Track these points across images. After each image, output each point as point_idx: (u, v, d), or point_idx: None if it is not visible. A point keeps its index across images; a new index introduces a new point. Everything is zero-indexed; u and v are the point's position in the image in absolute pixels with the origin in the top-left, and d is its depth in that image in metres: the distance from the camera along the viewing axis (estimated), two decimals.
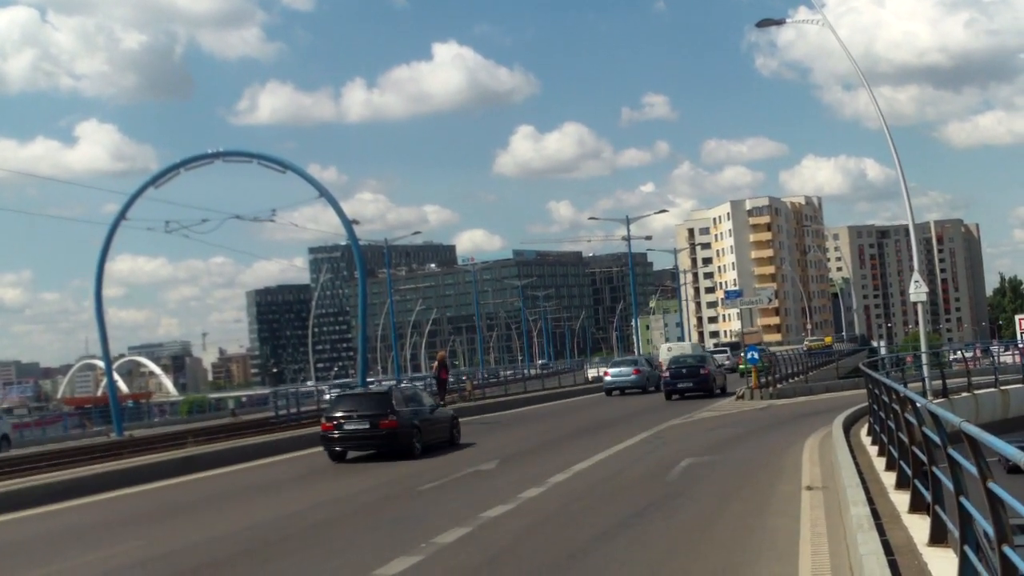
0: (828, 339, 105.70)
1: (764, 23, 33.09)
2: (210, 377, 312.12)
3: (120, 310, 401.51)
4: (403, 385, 32.46)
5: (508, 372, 73.53)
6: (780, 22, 34.21)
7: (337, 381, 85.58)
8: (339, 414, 22.39)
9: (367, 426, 21.95)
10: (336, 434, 22.13)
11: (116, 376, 67.57)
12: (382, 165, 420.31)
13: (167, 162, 39.36)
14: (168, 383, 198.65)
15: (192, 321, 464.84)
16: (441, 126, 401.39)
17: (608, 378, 47.50)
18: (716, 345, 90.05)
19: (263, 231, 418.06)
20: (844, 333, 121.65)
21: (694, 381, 39.56)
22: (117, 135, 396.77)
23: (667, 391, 39.92)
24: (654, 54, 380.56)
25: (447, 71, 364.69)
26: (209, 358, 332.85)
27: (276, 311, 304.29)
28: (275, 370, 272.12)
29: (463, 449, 23.72)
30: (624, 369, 48.06)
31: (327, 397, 42.15)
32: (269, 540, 12.36)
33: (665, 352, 61.71)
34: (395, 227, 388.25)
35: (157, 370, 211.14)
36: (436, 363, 38.23)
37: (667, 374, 41.16)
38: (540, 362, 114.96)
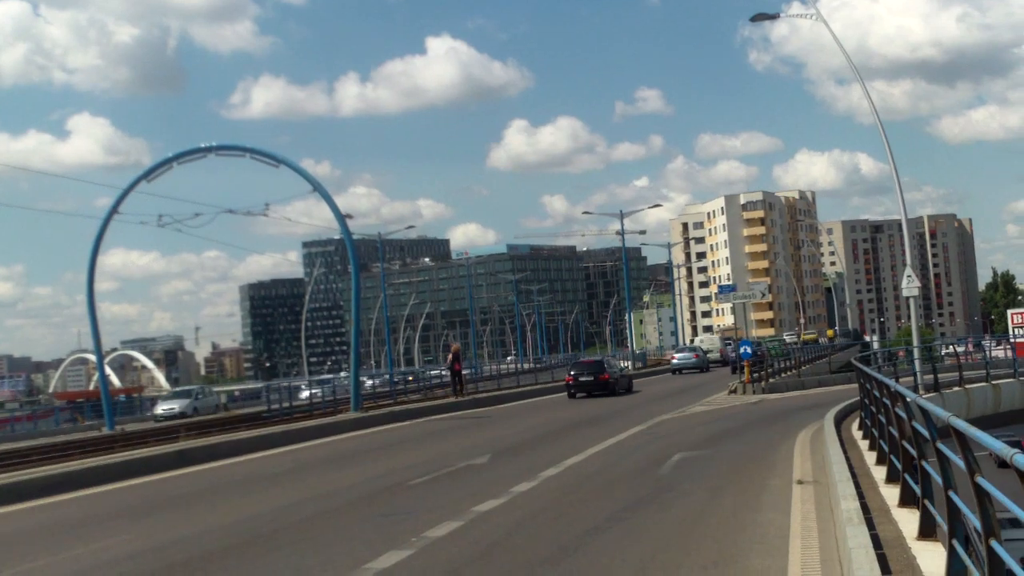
0: (830, 332, 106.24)
1: (758, 17, 33.07)
2: (203, 371, 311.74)
3: (113, 304, 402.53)
4: (608, 357, 50.18)
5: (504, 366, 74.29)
6: (774, 17, 34.19)
7: (321, 377, 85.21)
8: (574, 372, 41.13)
9: (592, 378, 40.27)
10: (573, 383, 40.23)
11: (108, 370, 67.48)
12: (376, 159, 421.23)
13: (160, 156, 39.22)
14: (160, 377, 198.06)
15: (185, 315, 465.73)
16: (435, 120, 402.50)
17: (675, 361, 64.05)
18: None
19: (256, 225, 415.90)
20: (837, 327, 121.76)
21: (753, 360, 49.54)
22: (110, 129, 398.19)
23: (733, 367, 51.80)
24: (648, 48, 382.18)
25: (441, 65, 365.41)
26: (202, 352, 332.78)
27: (269, 305, 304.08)
28: (268, 364, 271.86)
29: (634, 393, 41.63)
30: (687, 354, 64.59)
31: (304, 394, 47.49)
32: (260, 533, 12.34)
33: (697, 343, 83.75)
34: (389, 221, 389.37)
35: (149, 364, 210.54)
36: (451, 355, 40.98)
37: (734, 355, 52.08)
38: (508, 358, 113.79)
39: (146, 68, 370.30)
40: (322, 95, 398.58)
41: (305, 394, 46.92)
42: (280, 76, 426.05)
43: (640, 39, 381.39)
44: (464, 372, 46.63)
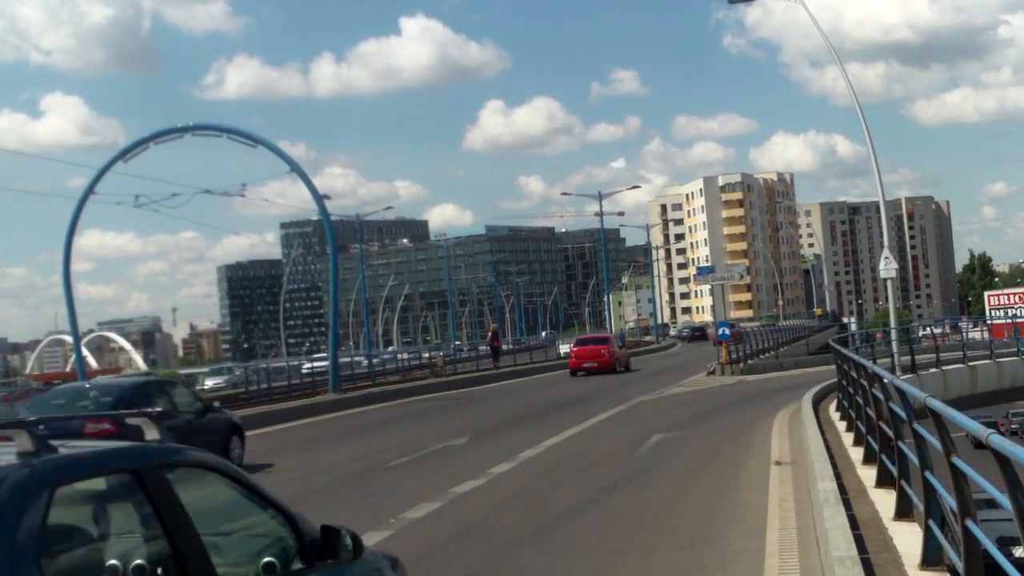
0: (819, 311, 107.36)
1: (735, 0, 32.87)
2: (180, 353, 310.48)
3: (89, 285, 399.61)
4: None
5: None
6: None
7: (314, 356, 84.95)
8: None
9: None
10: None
11: (85, 351, 66.86)
12: (352, 140, 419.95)
13: (136, 136, 38.75)
14: (138, 359, 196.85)
15: (162, 296, 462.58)
16: (410, 101, 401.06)
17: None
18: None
19: (233, 206, 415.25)
20: (815, 309, 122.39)
21: None
22: (85, 109, 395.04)
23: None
24: (623, 29, 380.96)
25: (416, 45, 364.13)
26: (179, 333, 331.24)
27: (247, 286, 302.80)
28: (246, 346, 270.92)
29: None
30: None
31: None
32: None
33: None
34: (366, 202, 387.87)
35: (127, 345, 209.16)
36: (489, 333, 48.54)
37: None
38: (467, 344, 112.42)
39: (121, 48, 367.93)
40: (297, 76, 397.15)
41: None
42: (254, 57, 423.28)
43: (616, 20, 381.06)
44: (446, 355, 47.02)
